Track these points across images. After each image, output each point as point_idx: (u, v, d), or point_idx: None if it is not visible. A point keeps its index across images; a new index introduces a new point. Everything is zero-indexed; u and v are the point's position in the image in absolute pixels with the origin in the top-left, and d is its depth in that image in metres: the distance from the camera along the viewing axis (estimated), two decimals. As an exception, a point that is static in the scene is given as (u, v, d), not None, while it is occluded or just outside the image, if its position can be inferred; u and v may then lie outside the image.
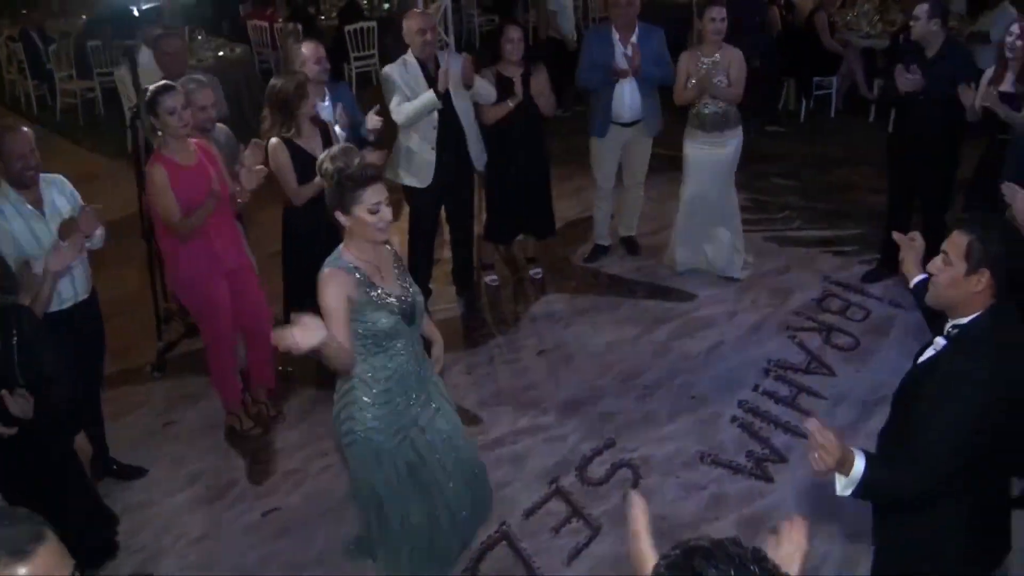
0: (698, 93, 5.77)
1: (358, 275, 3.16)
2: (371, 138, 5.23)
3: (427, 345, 3.60)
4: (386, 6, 12.62)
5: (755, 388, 5.08)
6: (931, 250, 2.78)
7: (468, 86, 5.40)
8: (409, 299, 3.28)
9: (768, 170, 7.93)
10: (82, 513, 3.80)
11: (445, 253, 6.27)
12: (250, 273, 4.84)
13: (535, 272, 6.46)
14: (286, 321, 5.10)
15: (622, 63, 5.91)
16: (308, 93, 4.77)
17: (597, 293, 6.22)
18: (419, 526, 3.53)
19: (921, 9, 5.27)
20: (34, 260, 3.90)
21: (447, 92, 5.36)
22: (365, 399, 3.30)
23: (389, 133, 5.52)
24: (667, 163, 6.68)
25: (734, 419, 4.83)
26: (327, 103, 5.27)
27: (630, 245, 6.71)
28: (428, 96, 5.29)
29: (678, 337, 5.63)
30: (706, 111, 5.84)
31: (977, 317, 2.60)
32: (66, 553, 1.76)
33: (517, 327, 5.88)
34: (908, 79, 5.27)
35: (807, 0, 9.50)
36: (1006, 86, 4.99)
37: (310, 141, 4.84)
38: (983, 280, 2.55)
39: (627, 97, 6.03)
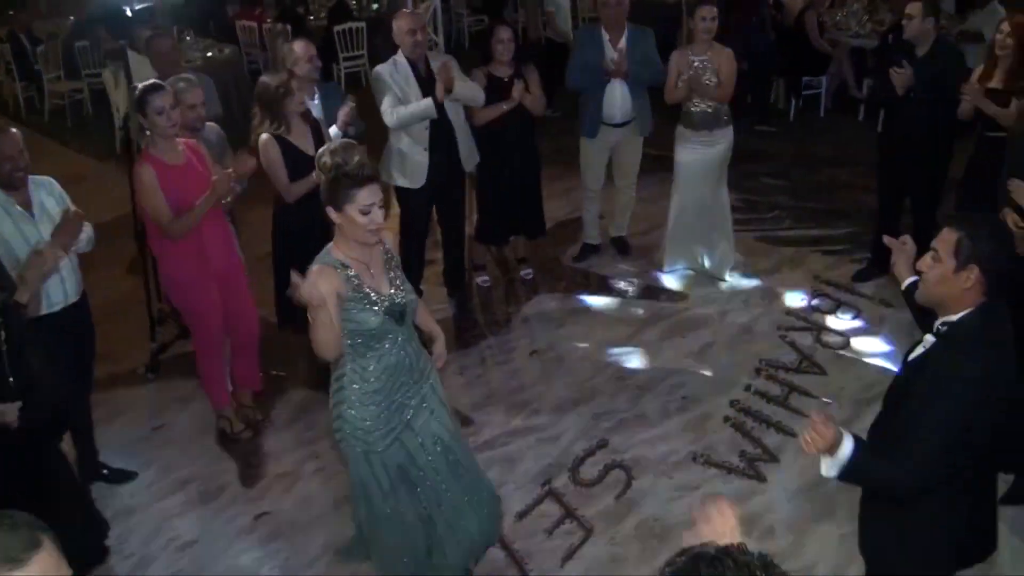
0: (688, 92, 5.78)
1: (348, 272, 3.15)
2: (351, 132, 5.22)
3: (429, 341, 3.60)
4: (375, 6, 12.59)
5: (747, 388, 5.08)
6: (922, 250, 2.79)
7: (448, 90, 5.37)
8: (399, 299, 3.27)
9: (758, 170, 7.94)
10: (73, 518, 3.77)
11: (436, 254, 6.26)
12: (240, 275, 4.82)
13: (526, 273, 6.45)
14: (279, 322, 5.16)
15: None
16: (293, 90, 4.75)
17: (588, 294, 6.22)
18: (411, 527, 3.52)
19: (916, 8, 5.28)
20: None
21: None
22: (354, 398, 3.31)
23: (379, 134, 5.50)
24: (658, 163, 6.69)
25: (726, 419, 4.83)
26: (316, 101, 5.26)
27: (621, 245, 6.71)
28: (426, 103, 5.28)
29: (669, 337, 5.62)
30: (696, 110, 5.84)
31: (967, 314, 2.61)
32: (63, 561, 1.74)
33: (509, 328, 5.87)
34: (900, 73, 5.26)
35: (796, 0, 9.52)
36: (995, 83, 5.00)
37: (301, 138, 4.83)
38: (972, 276, 2.56)
39: (618, 98, 6.03)
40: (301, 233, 4.61)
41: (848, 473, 2.56)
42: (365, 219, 3.10)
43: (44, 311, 3.97)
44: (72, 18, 12.16)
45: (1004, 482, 4.03)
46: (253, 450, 4.85)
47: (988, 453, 2.70)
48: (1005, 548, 3.80)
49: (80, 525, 3.86)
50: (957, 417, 2.49)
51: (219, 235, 4.61)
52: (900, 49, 5.57)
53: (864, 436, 2.98)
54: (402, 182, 5.56)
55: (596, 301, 6.11)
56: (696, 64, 5.74)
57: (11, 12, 12.47)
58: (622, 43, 5.95)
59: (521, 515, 4.24)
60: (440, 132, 5.46)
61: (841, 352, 5.38)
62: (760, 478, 4.41)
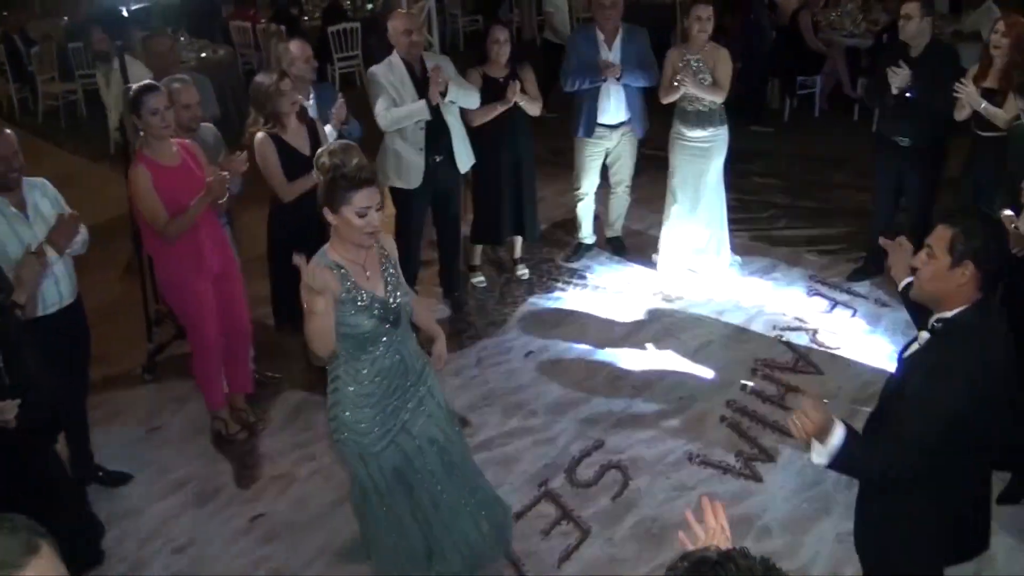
0: (683, 91, 5.77)
1: (342, 273, 3.14)
2: (345, 131, 5.21)
3: (428, 342, 3.59)
4: (369, 7, 12.59)
5: (743, 388, 5.08)
6: (918, 250, 2.79)
7: (443, 94, 5.36)
8: (393, 302, 3.26)
9: (753, 169, 7.95)
10: (69, 520, 3.75)
11: (431, 255, 6.25)
12: (235, 277, 4.80)
13: (522, 273, 6.44)
14: (277, 321, 5.15)
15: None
16: (284, 90, 4.74)
17: (584, 294, 6.21)
18: (408, 528, 3.51)
19: (914, 8, 5.28)
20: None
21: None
22: (348, 401, 3.31)
23: (375, 135, 5.49)
24: (653, 164, 6.69)
25: (723, 419, 4.83)
26: (311, 101, 5.25)
27: (616, 246, 6.70)
28: (420, 106, 5.27)
29: (665, 337, 5.62)
30: (691, 109, 5.85)
31: (962, 311, 2.62)
32: (61, 565, 1.73)
33: (504, 329, 5.86)
34: (898, 73, 5.25)
35: (791, 0, 9.53)
36: (989, 83, 5.01)
37: (296, 137, 4.83)
38: (967, 273, 2.58)
39: (612, 99, 6.04)
40: (297, 233, 4.58)
41: (839, 462, 2.56)
42: (361, 222, 3.09)
43: (39, 312, 3.95)
44: (66, 19, 12.13)
45: (1003, 480, 4.04)
46: (249, 451, 4.84)
47: (981, 449, 2.71)
48: (1000, 547, 3.81)
49: (76, 527, 3.85)
50: (949, 409, 2.50)
51: (213, 236, 4.60)
52: (895, 49, 5.58)
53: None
54: (398, 183, 5.54)
55: (592, 302, 6.10)
56: (692, 63, 5.75)
57: (5, 13, 12.45)
58: (616, 45, 5.95)
59: (518, 516, 4.22)
60: (436, 133, 5.45)
61: (837, 352, 5.38)
62: (757, 478, 4.41)
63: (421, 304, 3.66)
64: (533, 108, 5.83)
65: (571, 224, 6.79)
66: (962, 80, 4.99)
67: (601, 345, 5.58)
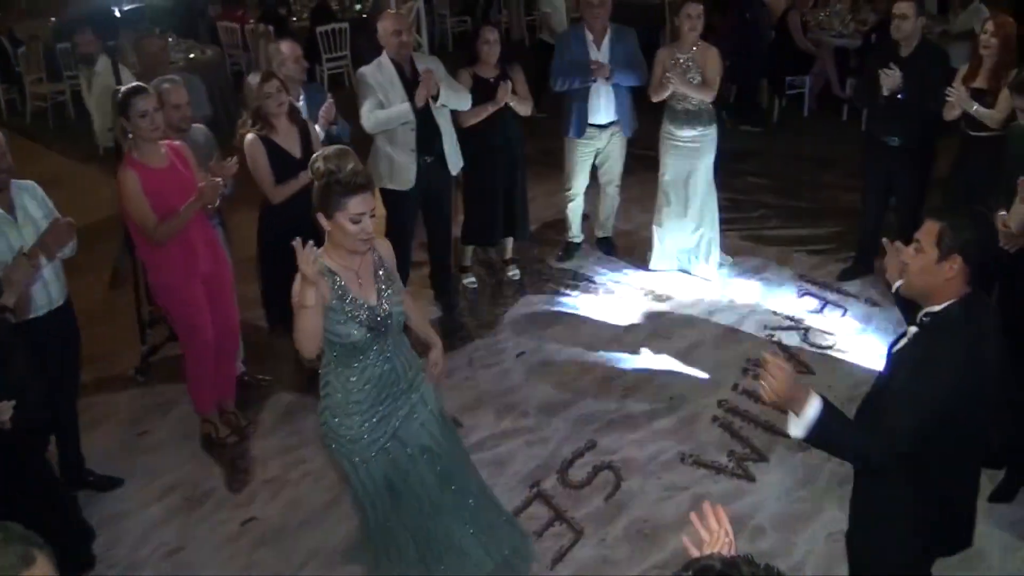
0: (672, 90, 5.78)
1: (336, 279, 3.12)
2: (334, 131, 5.19)
3: (424, 349, 3.58)
4: (358, 7, 12.55)
5: (734, 387, 5.09)
6: (908, 247, 2.80)
7: (434, 97, 5.35)
8: (384, 310, 3.22)
9: (743, 169, 7.96)
10: (59, 525, 3.73)
11: (422, 256, 6.24)
12: (226, 282, 4.78)
13: (513, 274, 6.43)
14: (269, 322, 5.13)
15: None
16: (269, 92, 4.71)
17: (575, 295, 6.20)
18: (400, 535, 3.50)
19: (908, 8, 5.28)
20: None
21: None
22: (338, 407, 3.29)
23: (366, 136, 5.47)
24: (643, 163, 6.69)
25: (714, 419, 4.84)
26: (301, 102, 5.23)
27: (607, 246, 6.70)
28: (403, 108, 5.25)
29: (656, 337, 5.62)
30: (680, 108, 5.85)
31: (950, 305, 2.63)
32: (57, 575, 1.71)
33: (496, 330, 5.85)
34: (890, 75, 5.26)
35: (780, 0, 9.55)
36: (979, 83, 5.02)
37: (287, 139, 4.80)
38: (955, 267, 2.59)
39: (602, 99, 6.04)
40: (287, 235, 4.52)
41: (815, 434, 2.55)
42: (355, 228, 3.07)
43: (29, 315, 3.92)
44: (53, 19, 12.05)
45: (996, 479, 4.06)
46: (239, 455, 4.81)
47: (967, 443, 2.71)
48: (995, 545, 3.82)
49: (67, 532, 3.83)
50: (935, 400, 2.51)
51: (204, 239, 4.58)
52: (884, 49, 5.59)
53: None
54: (390, 185, 5.52)
55: (583, 302, 6.09)
56: (682, 62, 5.75)
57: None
58: (605, 45, 5.95)
59: (511, 518, 4.23)
60: (427, 135, 5.43)
61: (828, 351, 5.39)
62: (749, 478, 4.41)
63: (418, 312, 3.64)
64: (523, 108, 5.82)
65: (561, 224, 6.78)
66: (953, 85, 5.01)
67: (593, 346, 5.57)
